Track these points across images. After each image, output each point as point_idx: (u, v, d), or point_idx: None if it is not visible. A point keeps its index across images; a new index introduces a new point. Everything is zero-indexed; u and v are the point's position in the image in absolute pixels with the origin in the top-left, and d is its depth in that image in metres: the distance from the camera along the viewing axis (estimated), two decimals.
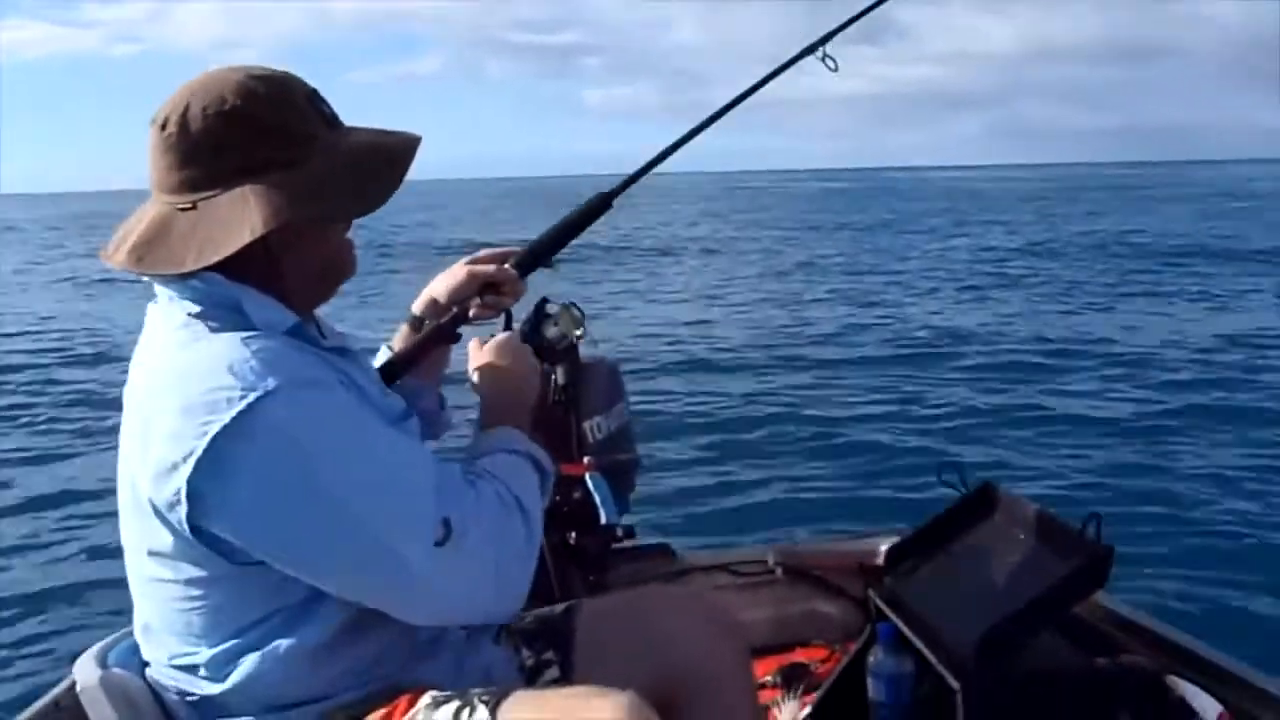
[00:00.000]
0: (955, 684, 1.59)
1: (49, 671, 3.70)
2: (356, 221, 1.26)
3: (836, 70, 1.65)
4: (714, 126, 1.59)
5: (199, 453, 1.05)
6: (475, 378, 1.40)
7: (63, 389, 9.14)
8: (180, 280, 1.15)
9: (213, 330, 1.14)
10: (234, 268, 1.14)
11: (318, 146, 1.17)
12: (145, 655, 1.26)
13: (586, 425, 1.92)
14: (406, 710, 1.18)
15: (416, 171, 1.25)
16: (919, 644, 1.72)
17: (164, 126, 1.14)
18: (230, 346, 1.11)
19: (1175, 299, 13.31)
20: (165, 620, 1.19)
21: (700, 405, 7.72)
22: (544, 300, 1.49)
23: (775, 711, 1.97)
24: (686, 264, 20.41)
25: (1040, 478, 5.75)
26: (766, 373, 8.96)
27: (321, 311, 1.33)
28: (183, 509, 1.07)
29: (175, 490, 1.07)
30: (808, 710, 1.93)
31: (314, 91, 1.20)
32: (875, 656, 1.77)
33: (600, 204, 1.51)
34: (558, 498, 1.87)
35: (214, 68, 1.19)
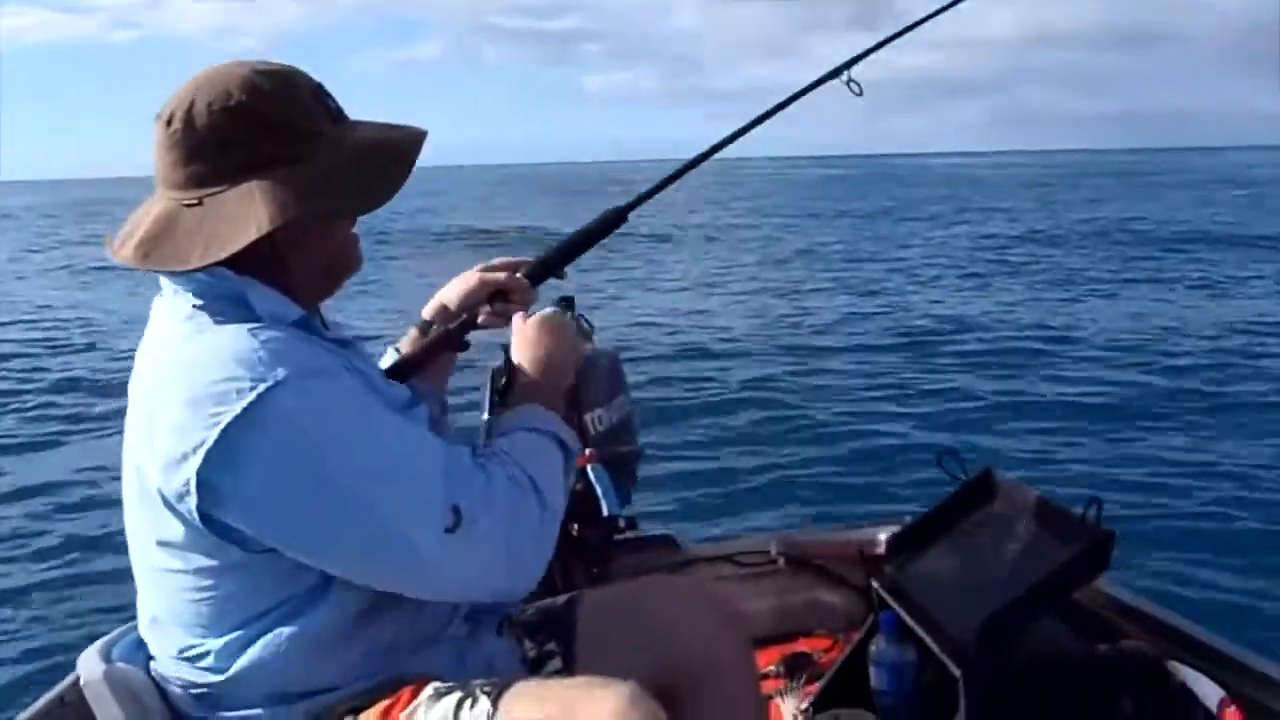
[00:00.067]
0: (957, 671, 1.60)
1: (41, 661, 3.70)
2: None
3: (861, 95, 1.64)
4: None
5: (209, 443, 1.06)
6: (514, 352, 1.39)
7: (56, 376, 9.10)
8: (186, 274, 1.15)
9: (218, 323, 1.15)
10: (240, 263, 1.14)
11: (323, 142, 1.17)
12: (151, 648, 1.26)
13: (588, 417, 1.91)
14: (409, 701, 1.18)
15: None
16: (921, 632, 1.73)
17: (169, 122, 1.14)
18: (237, 338, 1.11)
19: (1176, 286, 13.31)
20: (174, 611, 1.20)
21: (699, 393, 7.73)
22: (553, 313, 1.47)
23: (778, 701, 1.98)
24: (686, 251, 20.35)
25: (1040, 464, 5.77)
26: (766, 361, 8.96)
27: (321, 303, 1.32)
28: (193, 499, 1.08)
29: (185, 480, 1.08)
30: (810, 700, 1.94)
31: (319, 86, 1.20)
32: (877, 645, 1.78)
33: (615, 217, 1.52)
34: None
35: (219, 63, 1.18)
